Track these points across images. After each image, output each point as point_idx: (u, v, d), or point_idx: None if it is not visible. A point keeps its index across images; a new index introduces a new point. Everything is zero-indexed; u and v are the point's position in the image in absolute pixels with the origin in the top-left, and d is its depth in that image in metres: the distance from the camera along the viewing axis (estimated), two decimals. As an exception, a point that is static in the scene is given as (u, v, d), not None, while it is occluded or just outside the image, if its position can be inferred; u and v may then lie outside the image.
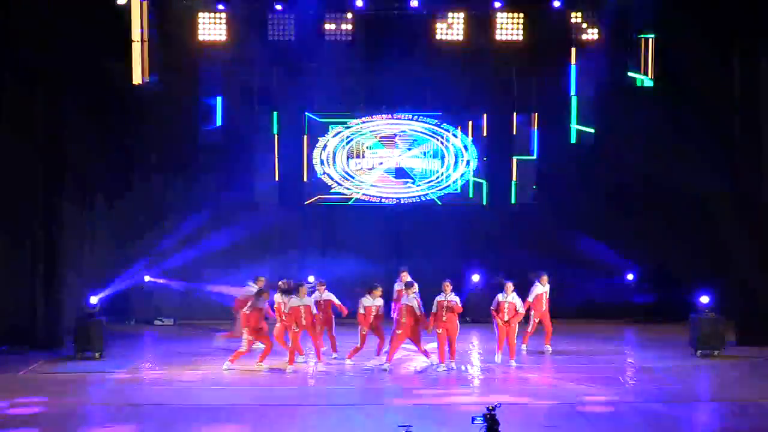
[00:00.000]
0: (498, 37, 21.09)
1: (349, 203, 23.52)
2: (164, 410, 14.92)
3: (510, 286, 18.18)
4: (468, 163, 23.43)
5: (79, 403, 15.39)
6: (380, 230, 23.79)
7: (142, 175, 23.34)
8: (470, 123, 23.42)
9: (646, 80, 21.11)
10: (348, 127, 23.50)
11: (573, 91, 22.09)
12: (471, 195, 23.42)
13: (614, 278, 23.27)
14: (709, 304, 19.04)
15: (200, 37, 21.16)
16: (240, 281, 22.58)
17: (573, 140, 22.48)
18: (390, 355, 17.83)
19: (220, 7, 20.93)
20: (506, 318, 18.06)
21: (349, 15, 21.00)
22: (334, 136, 23.48)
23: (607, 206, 23.32)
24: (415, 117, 23.49)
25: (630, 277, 23.33)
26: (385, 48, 22.50)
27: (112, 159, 23.23)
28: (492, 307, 18.23)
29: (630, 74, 21.17)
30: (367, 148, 23.48)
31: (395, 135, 23.49)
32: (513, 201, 23.27)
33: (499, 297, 18.20)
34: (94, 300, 19.01)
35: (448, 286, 17.82)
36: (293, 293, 18.08)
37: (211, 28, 21.08)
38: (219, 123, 22.25)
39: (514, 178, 23.12)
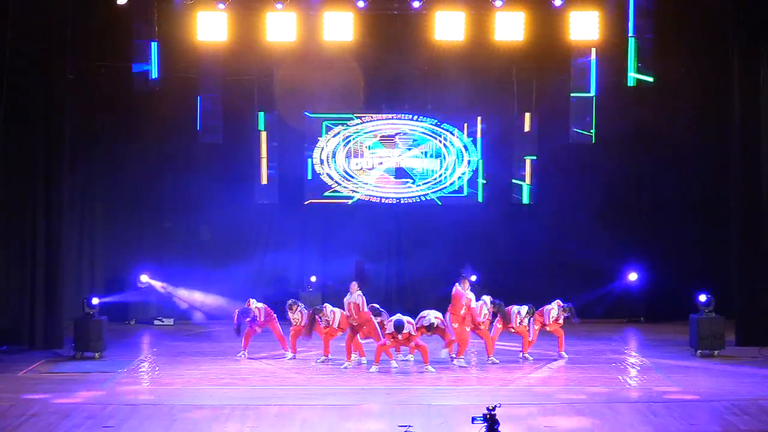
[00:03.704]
0: (498, 37, 21.07)
1: (349, 203, 23.53)
2: (164, 410, 14.93)
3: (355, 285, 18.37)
4: (468, 163, 23.44)
5: (79, 403, 15.38)
6: (380, 230, 23.79)
7: (141, 174, 23.33)
8: (470, 123, 23.44)
9: (645, 80, 21.08)
10: (348, 127, 23.50)
11: (573, 91, 22.08)
12: (471, 195, 23.42)
13: (614, 278, 23.27)
14: (709, 304, 19.04)
15: (200, 37, 21.13)
16: (239, 281, 22.67)
17: (573, 140, 22.48)
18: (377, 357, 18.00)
19: (221, 6, 20.90)
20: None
21: (349, 15, 20.98)
22: (334, 136, 23.48)
23: (607, 206, 23.33)
24: (415, 117, 23.50)
25: (630, 277, 23.33)
26: (385, 48, 22.51)
27: (112, 158, 23.24)
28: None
29: (630, 74, 21.15)
30: (367, 148, 23.49)
31: (395, 135, 23.49)
32: (526, 201, 23.23)
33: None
34: (95, 300, 19.00)
35: (354, 286, 18.18)
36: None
37: (211, 28, 21.05)
38: (209, 125, 22.27)
39: (527, 179, 23.07)
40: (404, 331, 17.61)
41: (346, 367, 18.01)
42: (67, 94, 20.29)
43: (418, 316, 18.12)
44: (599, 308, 23.00)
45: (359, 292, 18.31)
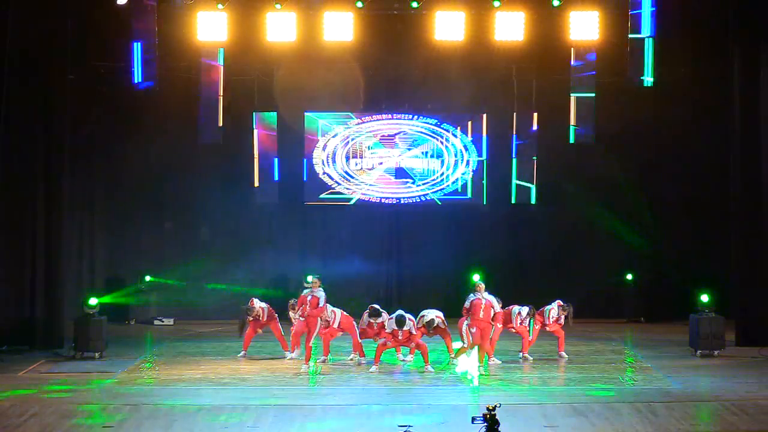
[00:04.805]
0: (498, 37, 21.08)
1: (349, 203, 23.53)
2: (164, 410, 14.92)
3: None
4: (468, 163, 23.44)
5: (79, 403, 15.38)
6: (380, 230, 23.81)
7: (141, 174, 23.35)
8: (470, 123, 23.44)
9: (646, 80, 21.09)
10: (348, 127, 23.51)
11: (573, 91, 22.09)
12: (471, 195, 23.44)
13: (614, 278, 23.27)
14: (709, 304, 19.04)
15: (200, 37, 21.14)
16: (239, 281, 22.71)
17: (573, 140, 22.50)
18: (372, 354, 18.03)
19: (220, 7, 20.91)
20: None
21: (349, 15, 20.99)
22: (334, 136, 23.49)
23: (607, 206, 23.32)
24: (415, 117, 23.50)
25: (629, 277, 23.34)
26: (385, 48, 22.51)
27: (112, 158, 23.25)
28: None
29: (630, 74, 21.17)
30: (367, 148, 23.49)
31: (395, 135, 23.50)
32: (513, 201, 23.27)
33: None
34: (93, 301, 18.99)
35: (316, 282, 17.96)
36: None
37: (211, 28, 21.06)
38: (208, 124, 22.32)
39: (514, 178, 23.16)
40: (405, 328, 17.59)
41: (322, 362, 18.04)
42: (67, 94, 20.29)
43: (419, 316, 18.12)
44: (599, 308, 23.00)
45: (322, 288, 18.20)
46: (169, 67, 21.73)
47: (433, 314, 18.11)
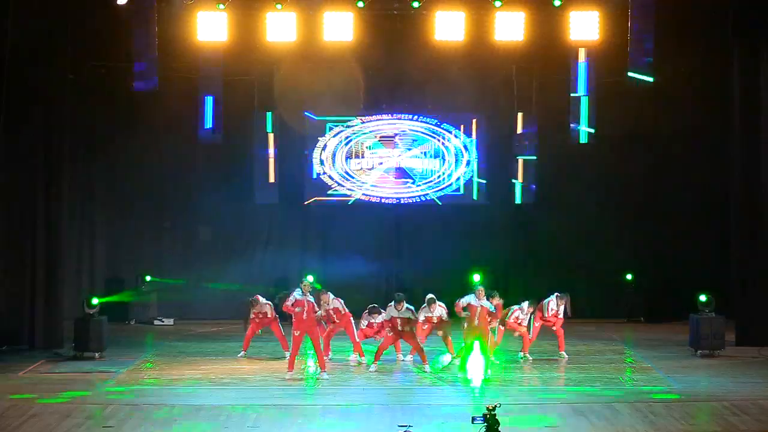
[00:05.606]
0: (498, 37, 21.09)
1: (349, 203, 23.53)
2: (164, 410, 14.92)
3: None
4: (468, 163, 23.44)
5: (79, 403, 15.37)
6: (380, 230, 23.81)
7: (141, 174, 23.36)
8: (470, 123, 23.45)
9: (646, 80, 21.10)
10: (348, 127, 23.51)
11: (573, 91, 22.10)
12: (471, 195, 23.44)
13: (614, 278, 23.27)
14: (709, 304, 19.03)
15: (200, 37, 21.15)
16: (238, 281, 22.69)
17: (573, 140, 22.51)
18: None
19: (221, 7, 20.92)
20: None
21: (349, 15, 21.00)
22: (334, 136, 23.49)
23: (607, 206, 23.35)
24: (415, 117, 23.50)
25: (630, 277, 23.33)
26: (385, 48, 22.51)
27: (112, 158, 23.26)
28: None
29: (630, 74, 21.18)
30: (367, 148, 23.50)
31: (395, 135, 23.51)
32: (519, 201, 23.28)
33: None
34: (95, 301, 18.99)
35: (306, 286, 17.61)
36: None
37: (211, 28, 21.07)
38: (209, 125, 22.34)
39: (519, 178, 23.17)
40: (403, 309, 17.39)
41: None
42: (67, 94, 20.29)
43: (422, 307, 18.11)
44: (599, 308, 23.00)
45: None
46: (169, 67, 21.73)
47: (437, 304, 18.14)
